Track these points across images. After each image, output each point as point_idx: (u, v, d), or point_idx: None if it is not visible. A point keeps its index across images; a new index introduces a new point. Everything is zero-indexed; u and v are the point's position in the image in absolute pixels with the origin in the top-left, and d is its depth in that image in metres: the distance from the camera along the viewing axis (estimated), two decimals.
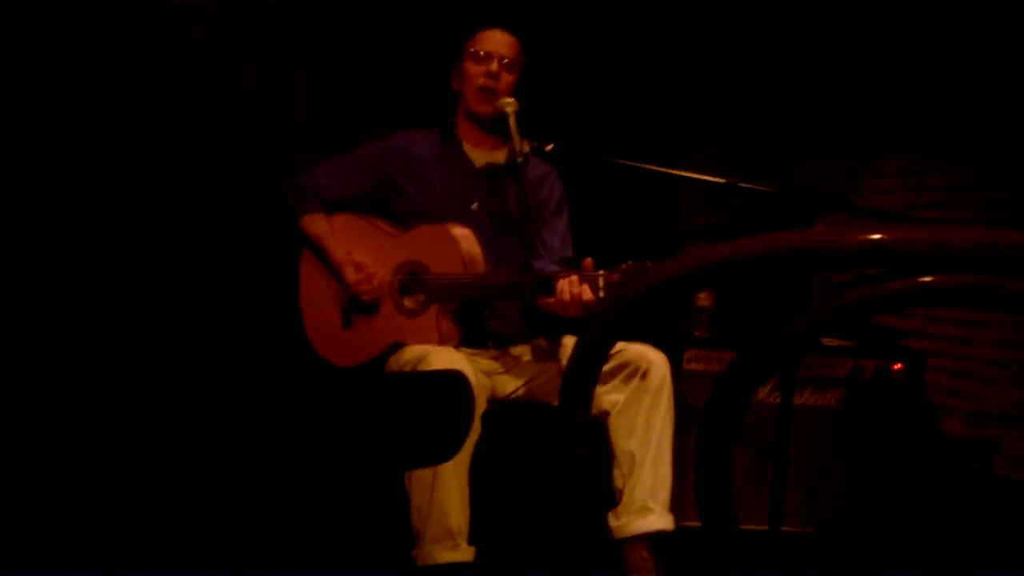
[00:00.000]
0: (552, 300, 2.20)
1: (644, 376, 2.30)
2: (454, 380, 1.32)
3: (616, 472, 2.32)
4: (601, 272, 2.16)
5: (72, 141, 2.53)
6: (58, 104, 2.52)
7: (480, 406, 2.16)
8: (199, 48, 2.79)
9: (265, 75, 2.94)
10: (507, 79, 2.47)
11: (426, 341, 2.33)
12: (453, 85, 2.56)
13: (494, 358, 2.48)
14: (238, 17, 2.85)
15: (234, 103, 2.87)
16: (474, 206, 2.50)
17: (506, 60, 2.47)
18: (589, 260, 2.20)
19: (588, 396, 1.04)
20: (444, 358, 2.19)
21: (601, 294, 2.13)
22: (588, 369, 1.01)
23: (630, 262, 2.13)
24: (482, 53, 2.47)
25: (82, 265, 2.54)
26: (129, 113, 2.64)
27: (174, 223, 2.71)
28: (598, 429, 2.34)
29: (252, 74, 2.91)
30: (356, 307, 2.45)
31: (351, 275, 2.40)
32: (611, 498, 2.32)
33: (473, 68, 2.48)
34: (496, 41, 2.50)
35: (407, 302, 2.40)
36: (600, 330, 0.97)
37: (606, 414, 2.32)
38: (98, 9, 2.55)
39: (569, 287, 2.15)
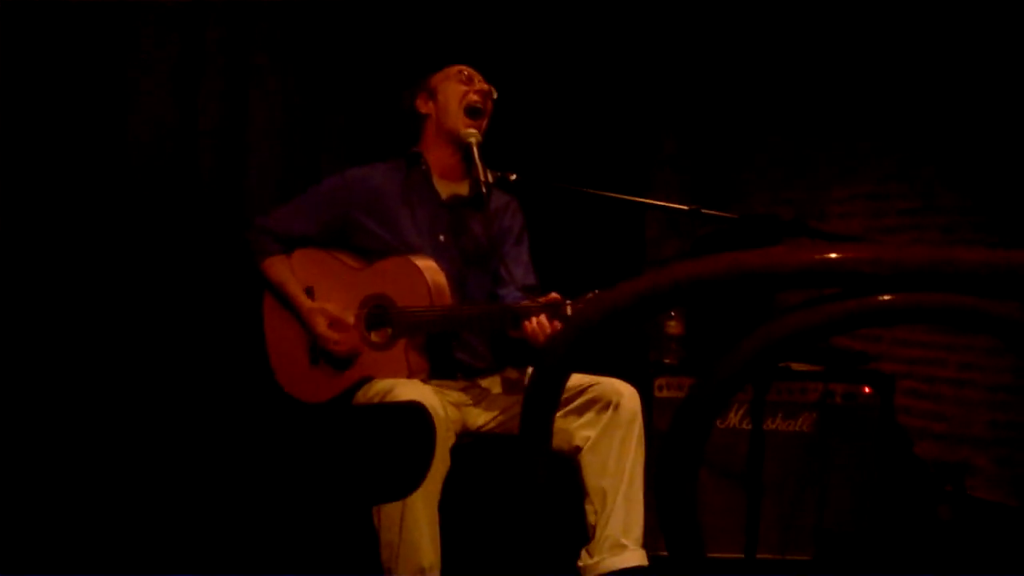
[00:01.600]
0: (521, 333, 2.22)
1: (615, 411, 2.29)
2: (414, 411, 1.31)
3: (589, 508, 2.29)
4: (568, 301, 2.19)
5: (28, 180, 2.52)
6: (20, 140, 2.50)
7: (448, 439, 2.14)
8: (158, 74, 2.79)
9: (225, 98, 2.94)
10: (489, 107, 2.49)
11: (395, 374, 2.31)
12: (419, 108, 2.51)
13: (463, 390, 2.46)
14: (198, 41, 2.86)
15: (191, 133, 2.86)
16: (441, 238, 2.49)
17: (487, 87, 2.49)
18: (555, 295, 2.23)
19: (548, 426, 1.03)
20: (410, 390, 2.16)
21: None
22: (545, 400, 1.00)
23: (596, 291, 2.14)
24: (466, 74, 2.48)
25: (44, 306, 2.51)
26: (85, 151, 2.63)
27: (132, 262, 2.68)
28: (570, 465, 2.33)
29: (212, 100, 2.91)
30: None
31: (324, 330, 2.37)
32: (584, 534, 2.30)
33: (460, 87, 2.45)
34: (474, 71, 2.51)
35: (374, 336, 2.38)
36: (555, 361, 0.96)
37: (578, 450, 2.30)
38: (56, 38, 2.55)
39: (539, 326, 2.18)
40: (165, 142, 2.80)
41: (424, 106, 2.51)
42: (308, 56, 3.08)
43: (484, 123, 2.47)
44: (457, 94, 2.45)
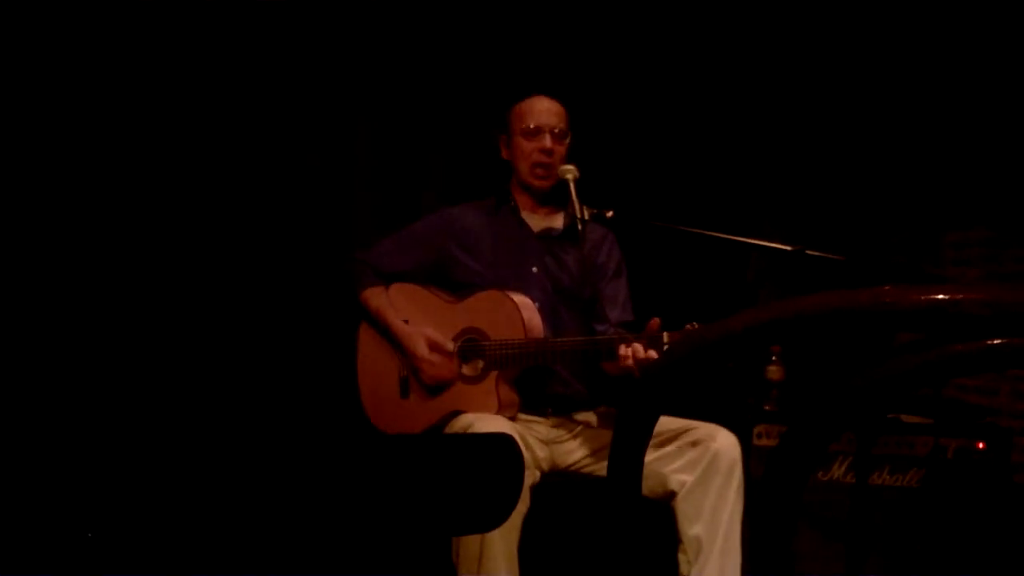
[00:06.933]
0: (617, 364, 2.18)
1: (714, 457, 2.20)
2: (503, 442, 1.28)
3: (682, 558, 2.20)
4: (665, 333, 2.16)
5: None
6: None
7: (530, 477, 2.10)
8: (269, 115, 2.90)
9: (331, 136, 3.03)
10: (560, 150, 2.48)
11: (485, 408, 2.29)
12: (503, 155, 2.56)
13: (554, 426, 2.42)
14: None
15: (300, 169, 2.96)
16: (534, 269, 2.49)
17: (557, 130, 2.47)
18: (656, 320, 2.20)
19: (638, 465, 0.99)
20: (492, 425, 2.16)
21: None
22: (635, 437, 0.96)
23: (695, 323, 2.13)
24: (532, 127, 2.47)
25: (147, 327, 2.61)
26: (198, 186, 2.73)
27: (234, 292, 2.77)
28: (664, 511, 2.25)
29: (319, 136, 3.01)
30: (416, 375, 2.43)
31: (424, 351, 2.37)
32: None
33: (526, 144, 2.48)
34: (544, 112, 2.49)
35: (466, 369, 2.38)
36: (645, 395, 0.92)
37: (672, 495, 2.22)
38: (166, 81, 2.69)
39: (634, 353, 2.14)
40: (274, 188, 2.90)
41: (505, 152, 2.55)
42: (407, 101, 3.15)
43: (553, 173, 2.45)
44: (525, 152, 2.48)
